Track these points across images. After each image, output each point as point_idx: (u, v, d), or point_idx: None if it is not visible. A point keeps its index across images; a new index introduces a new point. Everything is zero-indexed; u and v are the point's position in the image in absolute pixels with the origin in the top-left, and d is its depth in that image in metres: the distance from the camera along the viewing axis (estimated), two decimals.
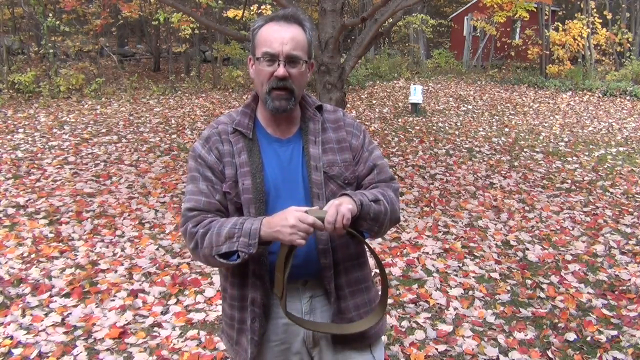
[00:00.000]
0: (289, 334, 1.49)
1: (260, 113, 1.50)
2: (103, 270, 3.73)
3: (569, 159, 7.39)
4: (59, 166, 6.23)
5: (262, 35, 1.39)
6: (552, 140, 8.49)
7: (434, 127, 9.29)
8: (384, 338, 2.95)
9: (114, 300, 3.35)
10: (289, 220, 1.27)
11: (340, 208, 1.29)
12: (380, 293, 1.53)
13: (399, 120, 9.86)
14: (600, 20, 15.91)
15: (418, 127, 9.22)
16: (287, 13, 1.40)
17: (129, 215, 4.77)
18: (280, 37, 1.36)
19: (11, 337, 2.92)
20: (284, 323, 1.48)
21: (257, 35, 1.41)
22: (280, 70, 1.36)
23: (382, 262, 3.93)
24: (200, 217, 1.42)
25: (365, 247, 1.48)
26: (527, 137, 8.74)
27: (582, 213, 5.19)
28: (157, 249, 4.10)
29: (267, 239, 1.32)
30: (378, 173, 1.52)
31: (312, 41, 1.45)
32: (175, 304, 3.32)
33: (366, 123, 9.43)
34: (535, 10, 14.73)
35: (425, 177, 6.28)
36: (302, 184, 1.45)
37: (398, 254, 4.11)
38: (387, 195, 1.47)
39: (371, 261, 1.74)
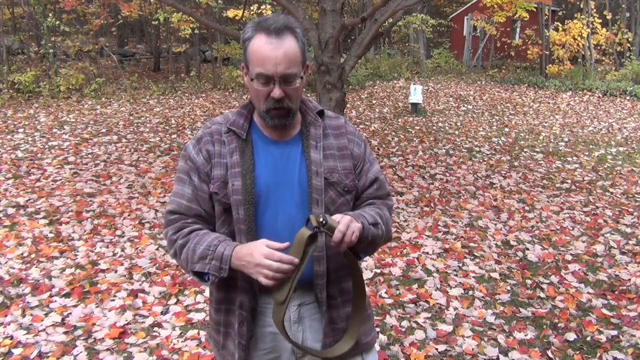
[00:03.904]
0: (278, 342, 1.46)
1: (258, 115, 1.47)
2: (103, 270, 3.73)
3: (569, 159, 7.39)
4: (59, 166, 6.23)
5: (254, 52, 1.33)
6: (552, 140, 8.49)
7: (434, 127, 9.28)
8: (383, 338, 2.95)
9: (114, 300, 3.35)
10: (254, 257, 1.27)
11: (352, 224, 1.30)
12: (352, 313, 1.49)
13: (399, 120, 9.87)
14: (600, 20, 15.91)
15: (418, 127, 9.23)
16: (277, 25, 1.32)
17: (129, 215, 4.77)
18: (273, 56, 1.30)
19: (11, 337, 2.91)
20: (270, 332, 1.45)
21: (248, 48, 1.34)
22: (277, 92, 1.33)
23: (382, 261, 3.93)
24: (180, 223, 1.42)
25: (353, 263, 1.47)
26: (527, 137, 8.74)
27: (582, 213, 5.19)
28: (157, 249, 4.10)
29: (236, 268, 1.33)
30: (377, 188, 1.53)
31: (305, 46, 1.40)
32: (175, 304, 3.33)
33: (366, 123, 9.44)
34: (535, 10, 14.75)
35: (425, 177, 6.28)
36: (297, 187, 1.42)
37: (398, 253, 4.11)
38: (384, 216, 1.48)
39: (369, 261, 1.73)
